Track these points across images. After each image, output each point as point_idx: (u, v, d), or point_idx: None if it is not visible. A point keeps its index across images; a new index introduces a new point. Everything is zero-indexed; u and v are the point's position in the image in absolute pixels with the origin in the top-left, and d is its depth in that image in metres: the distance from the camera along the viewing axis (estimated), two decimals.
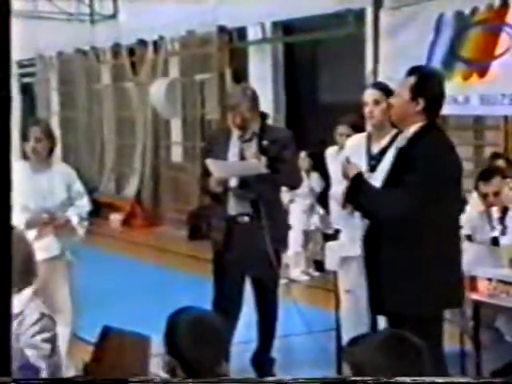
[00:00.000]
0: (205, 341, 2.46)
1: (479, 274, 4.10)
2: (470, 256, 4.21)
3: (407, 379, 1.85)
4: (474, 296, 4.12)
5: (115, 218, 10.87)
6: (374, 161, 3.94)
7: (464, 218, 4.72)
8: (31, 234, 4.38)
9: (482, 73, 6.60)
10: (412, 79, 3.39)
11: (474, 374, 4.35)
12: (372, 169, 3.90)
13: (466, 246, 4.29)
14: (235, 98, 4.46)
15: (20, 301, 2.58)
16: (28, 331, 2.51)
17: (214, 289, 4.61)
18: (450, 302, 3.55)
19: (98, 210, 10.02)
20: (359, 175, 3.45)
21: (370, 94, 4.12)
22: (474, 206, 4.77)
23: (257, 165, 4.34)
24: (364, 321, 4.20)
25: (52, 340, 2.47)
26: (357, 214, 3.81)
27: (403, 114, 3.42)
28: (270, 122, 4.95)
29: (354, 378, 1.97)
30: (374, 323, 4.22)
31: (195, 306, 2.64)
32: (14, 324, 2.24)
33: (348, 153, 3.93)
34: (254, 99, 4.47)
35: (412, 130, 3.37)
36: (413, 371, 2.02)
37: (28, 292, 2.66)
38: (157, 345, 2.74)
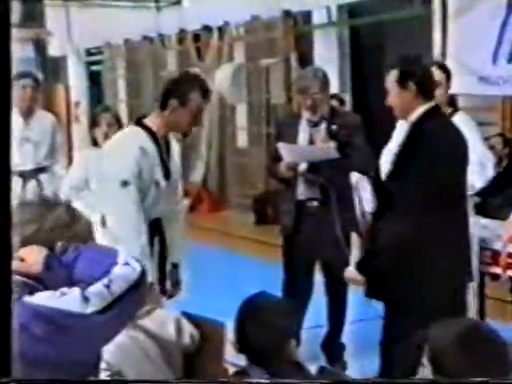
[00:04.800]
0: (267, 326, 2.44)
1: None
2: None
3: (408, 380, 1.85)
4: None
5: None
6: None
7: None
8: None
9: None
10: (395, 72, 3.47)
11: None
12: None
13: None
14: (306, 80, 4.40)
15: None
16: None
17: (284, 274, 4.59)
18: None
19: None
20: None
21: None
22: None
23: (328, 149, 4.29)
24: None
25: None
26: None
27: (402, 105, 3.47)
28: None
29: (355, 379, 1.95)
30: None
31: (266, 292, 2.62)
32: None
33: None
34: (324, 82, 4.41)
35: (414, 115, 3.43)
36: (494, 366, 1.95)
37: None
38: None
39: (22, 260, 1.88)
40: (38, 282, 1.88)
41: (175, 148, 3.71)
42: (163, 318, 2.66)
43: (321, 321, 4.69)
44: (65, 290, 1.83)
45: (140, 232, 3.47)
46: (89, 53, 13.84)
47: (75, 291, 1.81)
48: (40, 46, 14.80)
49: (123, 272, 1.82)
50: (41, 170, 6.09)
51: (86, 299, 1.79)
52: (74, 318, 1.78)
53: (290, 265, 4.57)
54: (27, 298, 1.81)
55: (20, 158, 6.10)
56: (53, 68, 14.85)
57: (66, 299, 1.80)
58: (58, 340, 1.79)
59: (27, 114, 6.08)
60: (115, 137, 3.74)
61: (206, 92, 3.53)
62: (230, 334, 2.71)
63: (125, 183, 3.43)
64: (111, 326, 1.84)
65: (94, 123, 4.79)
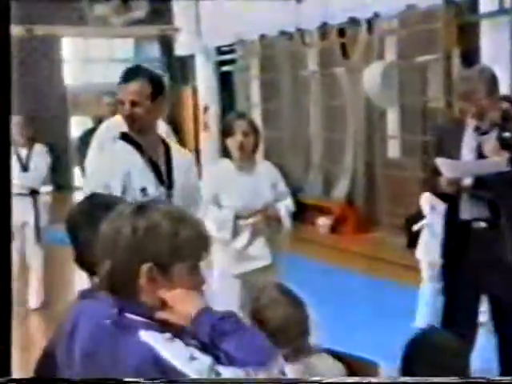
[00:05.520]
0: (438, 366, 2.44)
1: None
2: None
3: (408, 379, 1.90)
4: None
5: (323, 222, 10.98)
6: None
7: None
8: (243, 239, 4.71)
9: None
10: None
11: None
12: None
13: None
14: (470, 82, 4.34)
15: None
16: None
17: (444, 306, 4.53)
18: None
19: (304, 213, 10.20)
20: None
21: None
22: None
23: (497, 163, 4.20)
24: None
25: None
26: None
27: None
28: None
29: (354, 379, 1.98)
30: None
31: (435, 327, 2.62)
32: None
33: None
34: (493, 83, 4.33)
35: None
36: None
37: None
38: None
39: (166, 304, 1.93)
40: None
41: (177, 155, 4.08)
42: (328, 364, 2.70)
43: (489, 363, 4.59)
44: (196, 353, 1.87)
45: None
46: (219, 51, 14.17)
47: (207, 360, 1.86)
48: (166, 44, 15.33)
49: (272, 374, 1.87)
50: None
51: (216, 373, 1.84)
52: None
53: (452, 296, 4.50)
54: (151, 343, 1.87)
55: None
56: (179, 68, 15.34)
57: (195, 365, 1.85)
58: None
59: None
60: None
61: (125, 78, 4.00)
62: (382, 373, 2.71)
63: None
64: None
65: (227, 132, 4.91)
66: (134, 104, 3.94)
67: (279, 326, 2.73)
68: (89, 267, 2.45)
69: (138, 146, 4.01)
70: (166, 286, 1.94)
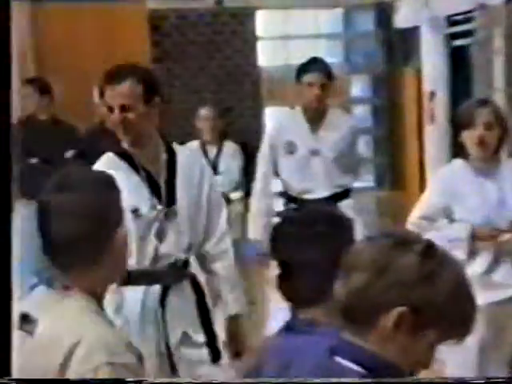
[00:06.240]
0: None
1: None
2: None
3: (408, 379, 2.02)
4: None
5: None
6: None
7: None
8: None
9: None
10: None
11: None
12: None
13: None
14: None
15: None
16: None
17: None
18: None
19: None
20: None
21: None
22: None
23: None
24: None
25: None
26: None
27: None
28: None
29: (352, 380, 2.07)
30: None
31: None
32: None
33: None
34: None
35: None
36: None
37: None
38: None
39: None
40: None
41: (184, 164, 4.26)
42: None
43: None
44: None
45: None
46: (451, 21, 13.98)
47: None
48: (384, 14, 15.30)
49: None
50: (339, 196, 6.29)
51: None
52: None
53: None
54: None
55: (307, 180, 6.32)
56: (400, 45, 15.27)
57: None
58: None
59: (314, 118, 6.37)
60: None
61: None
62: None
63: None
64: None
65: (464, 124, 4.83)
66: (124, 109, 4.05)
67: None
68: (293, 294, 2.48)
69: (128, 159, 4.16)
70: (405, 341, 2.00)
